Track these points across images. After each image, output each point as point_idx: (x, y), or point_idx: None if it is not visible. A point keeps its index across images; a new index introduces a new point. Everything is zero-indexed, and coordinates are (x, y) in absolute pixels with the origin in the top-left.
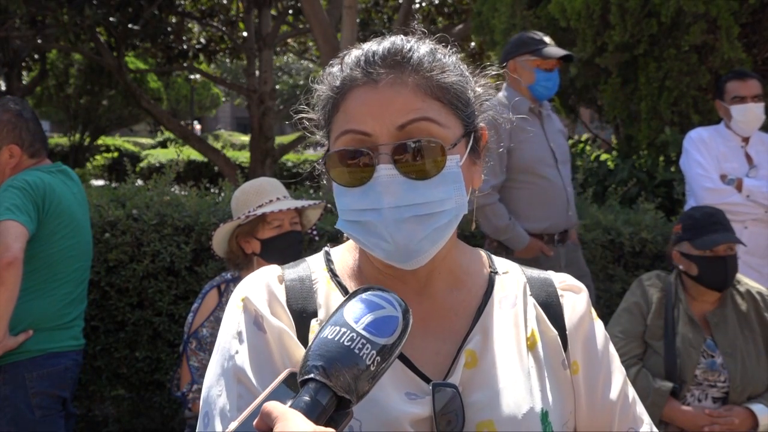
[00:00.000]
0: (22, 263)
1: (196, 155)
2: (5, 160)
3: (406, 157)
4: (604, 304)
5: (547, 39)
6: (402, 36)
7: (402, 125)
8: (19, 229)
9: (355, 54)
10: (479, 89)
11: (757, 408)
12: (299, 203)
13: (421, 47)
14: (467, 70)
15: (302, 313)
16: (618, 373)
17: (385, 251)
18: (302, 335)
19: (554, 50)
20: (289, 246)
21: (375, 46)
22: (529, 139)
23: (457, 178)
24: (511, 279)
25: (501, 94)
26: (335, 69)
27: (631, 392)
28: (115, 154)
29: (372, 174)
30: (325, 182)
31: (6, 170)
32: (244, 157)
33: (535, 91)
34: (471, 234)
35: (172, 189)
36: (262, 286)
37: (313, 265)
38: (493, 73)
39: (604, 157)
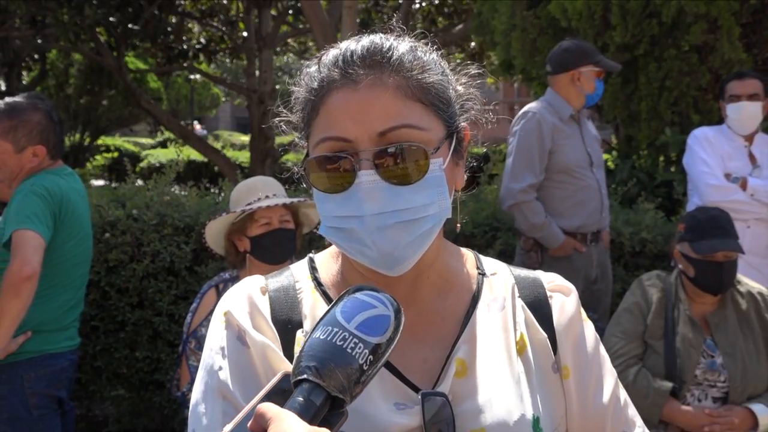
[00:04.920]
0: (38, 277)
1: (196, 155)
2: (27, 158)
3: (388, 161)
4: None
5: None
6: (381, 34)
7: (383, 132)
8: (38, 241)
9: (332, 53)
10: (460, 88)
11: (757, 408)
12: (283, 200)
13: (400, 45)
14: (448, 68)
15: (287, 324)
16: (609, 376)
17: (368, 258)
18: (287, 347)
19: (612, 63)
20: (277, 243)
21: (353, 45)
22: (569, 143)
23: (440, 182)
24: (499, 280)
25: (546, 98)
26: (312, 69)
27: (623, 395)
28: (115, 154)
29: (353, 180)
30: (304, 186)
31: (25, 168)
32: (244, 157)
33: (591, 99)
34: (471, 233)
35: (172, 189)
36: (243, 299)
37: (297, 274)
38: (473, 72)
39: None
